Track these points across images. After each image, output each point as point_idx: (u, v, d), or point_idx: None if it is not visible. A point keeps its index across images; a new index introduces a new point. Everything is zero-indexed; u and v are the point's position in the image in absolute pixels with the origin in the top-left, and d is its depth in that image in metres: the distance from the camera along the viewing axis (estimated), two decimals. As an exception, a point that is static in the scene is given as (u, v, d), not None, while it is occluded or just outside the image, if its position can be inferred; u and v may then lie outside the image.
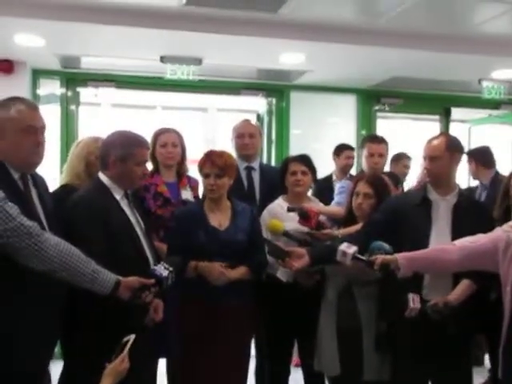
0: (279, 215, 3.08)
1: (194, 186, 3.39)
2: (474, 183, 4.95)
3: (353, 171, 4.69)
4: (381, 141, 3.88)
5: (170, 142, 3.31)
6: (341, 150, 4.67)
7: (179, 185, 3.32)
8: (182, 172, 3.38)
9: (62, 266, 2.00)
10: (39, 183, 2.25)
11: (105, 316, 2.18)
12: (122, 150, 2.41)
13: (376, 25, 4.01)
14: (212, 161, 2.81)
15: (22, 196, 2.11)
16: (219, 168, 2.79)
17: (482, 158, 4.65)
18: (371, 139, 3.92)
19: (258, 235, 2.91)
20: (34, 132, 2.12)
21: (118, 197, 2.44)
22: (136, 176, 2.46)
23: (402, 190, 3.60)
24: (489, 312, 2.62)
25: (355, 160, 4.69)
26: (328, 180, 4.38)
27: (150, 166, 3.34)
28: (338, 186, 3.76)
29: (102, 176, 2.46)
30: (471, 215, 2.63)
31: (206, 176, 2.83)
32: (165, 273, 2.24)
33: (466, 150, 4.54)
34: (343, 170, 4.53)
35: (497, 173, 4.53)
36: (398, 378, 2.74)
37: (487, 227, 2.44)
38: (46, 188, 2.34)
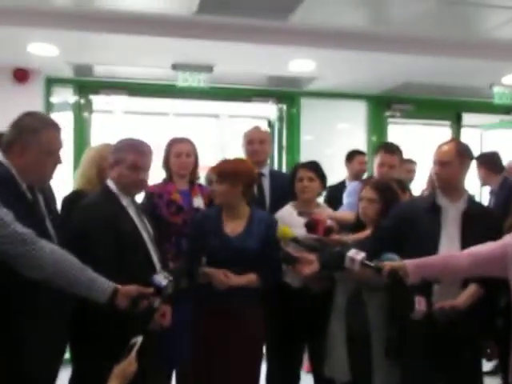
0: (288, 221, 3.09)
1: (205, 194, 3.40)
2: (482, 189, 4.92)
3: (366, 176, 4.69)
4: (394, 151, 3.76)
5: (184, 153, 3.33)
6: (353, 155, 4.67)
7: (191, 193, 3.35)
8: (193, 180, 3.41)
9: (57, 274, 2.00)
10: (46, 189, 2.30)
11: (111, 320, 2.19)
12: (117, 154, 2.48)
13: (386, 31, 4.02)
14: (215, 167, 2.88)
15: (30, 205, 2.14)
16: (218, 174, 2.83)
17: (491, 163, 4.62)
18: (385, 149, 3.79)
19: (272, 244, 2.88)
20: (56, 154, 2.21)
21: (124, 202, 2.47)
22: (129, 180, 2.46)
23: (410, 195, 3.57)
24: (499, 318, 2.61)
25: (368, 165, 4.69)
26: (341, 186, 4.37)
27: (163, 174, 3.40)
28: (347, 189, 3.74)
29: (109, 182, 2.51)
30: (480, 221, 2.63)
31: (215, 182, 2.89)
32: (164, 282, 2.24)
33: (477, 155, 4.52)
34: (356, 176, 4.52)
35: (505, 178, 4.50)
36: (408, 383, 2.74)
37: (496, 233, 2.43)
38: (52, 193, 2.39)
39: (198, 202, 3.32)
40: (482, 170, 4.63)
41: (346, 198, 3.61)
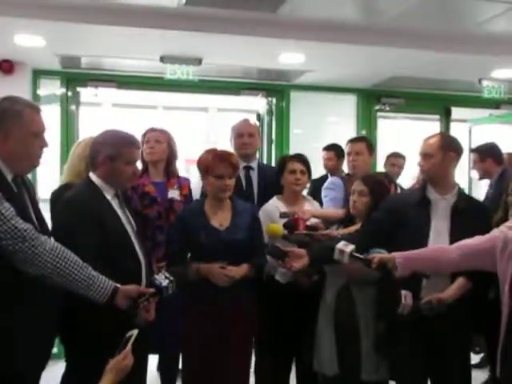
0: (274, 216, 3.08)
1: (184, 185, 3.40)
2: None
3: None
4: (359, 140, 3.81)
5: (152, 139, 3.35)
6: (323, 152, 4.73)
7: (167, 184, 3.33)
8: (170, 172, 3.38)
9: (56, 272, 1.98)
10: (28, 185, 2.23)
11: (101, 315, 2.16)
12: (111, 149, 2.40)
13: (376, 24, 4.01)
14: (229, 161, 2.81)
15: (16, 198, 2.08)
16: (234, 168, 2.82)
17: (498, 154, 4.44)
18: (350, 140, 3.86)
19: (259, 235, 2.91)
20: (40, 136, 2.14)
21: (108, 196, 2.43)
22: (126, 175, 2.45)
23: (396, 189, 3.56)
24: (487, 311, 2.61)
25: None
26: (323, 179, 4.38)
27: (139, 166, 3.36)
28: (325, 184, 3.73)
29: (92, 176, 2.45)
30: (470, 215, 2.63)
31: (219, 177, 2.78)
32: (165, 282, 2.25)
33: (466, 149, 4.47)
34: (330, 171, 4.57)
35: (505, 170, 4.36)
36: (397, 377, 2.75)
37: (485, 227, 2.44)
38: (34, 189, 2.34)
39: (173, 193, 3.31)
40: (487, 162, 4.41)
41: (324, 193, 3.62)
